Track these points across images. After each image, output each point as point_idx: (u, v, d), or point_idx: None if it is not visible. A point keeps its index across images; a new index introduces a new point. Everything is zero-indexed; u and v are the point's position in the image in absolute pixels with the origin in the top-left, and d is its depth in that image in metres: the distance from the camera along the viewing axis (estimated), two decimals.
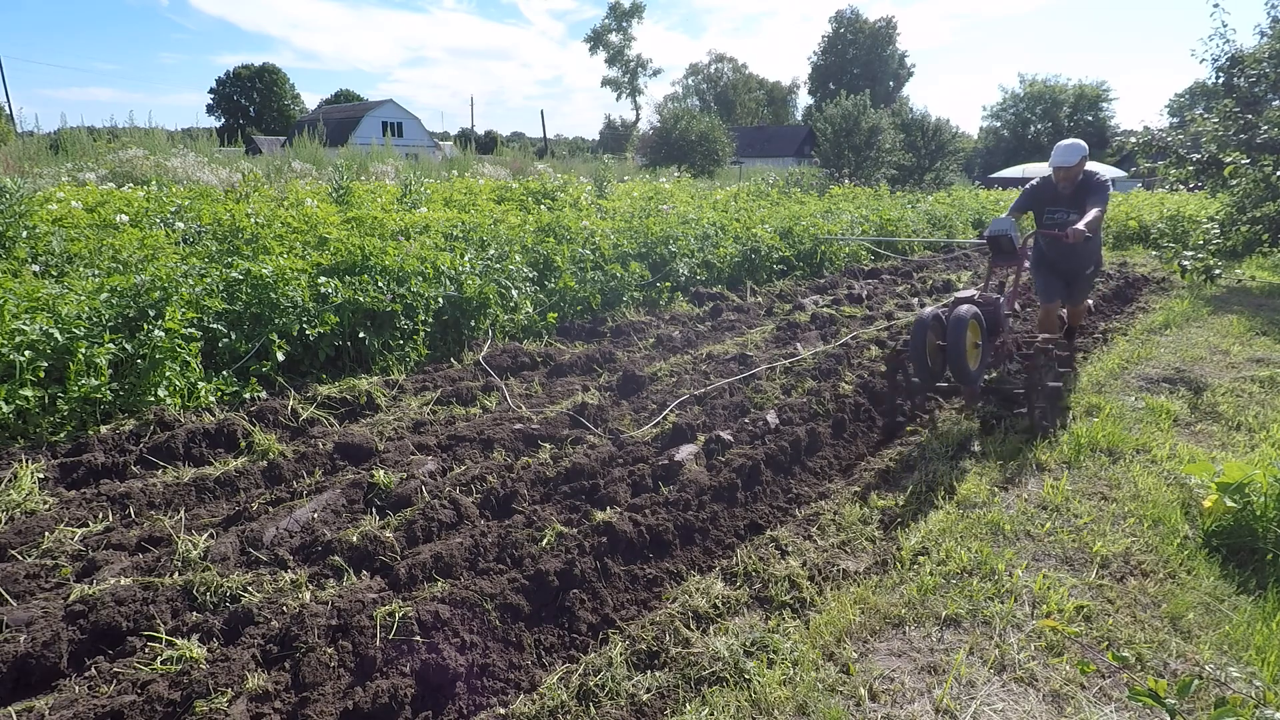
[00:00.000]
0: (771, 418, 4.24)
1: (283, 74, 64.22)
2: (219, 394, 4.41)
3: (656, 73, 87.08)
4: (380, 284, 5.45)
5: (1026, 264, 4.99)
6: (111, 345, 4.09)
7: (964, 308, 3.96)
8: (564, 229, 8.04)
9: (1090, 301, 6.33)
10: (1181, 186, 11.97)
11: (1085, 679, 2.32)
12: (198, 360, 4.43)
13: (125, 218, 6.81)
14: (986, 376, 4.49)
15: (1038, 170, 33.94)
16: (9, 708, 2.10)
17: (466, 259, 6.29)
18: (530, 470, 3.58)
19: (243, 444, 3.88)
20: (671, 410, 4.44)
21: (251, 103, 63.58)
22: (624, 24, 64.66)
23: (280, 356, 4.72)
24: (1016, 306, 6.27)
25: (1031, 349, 4.33)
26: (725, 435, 4.00)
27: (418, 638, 2.35)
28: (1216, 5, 10.86)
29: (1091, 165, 4.96)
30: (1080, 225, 4.43)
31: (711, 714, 2.16)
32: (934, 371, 4.12)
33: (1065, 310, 5.50)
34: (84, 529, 3.03)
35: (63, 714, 2.03)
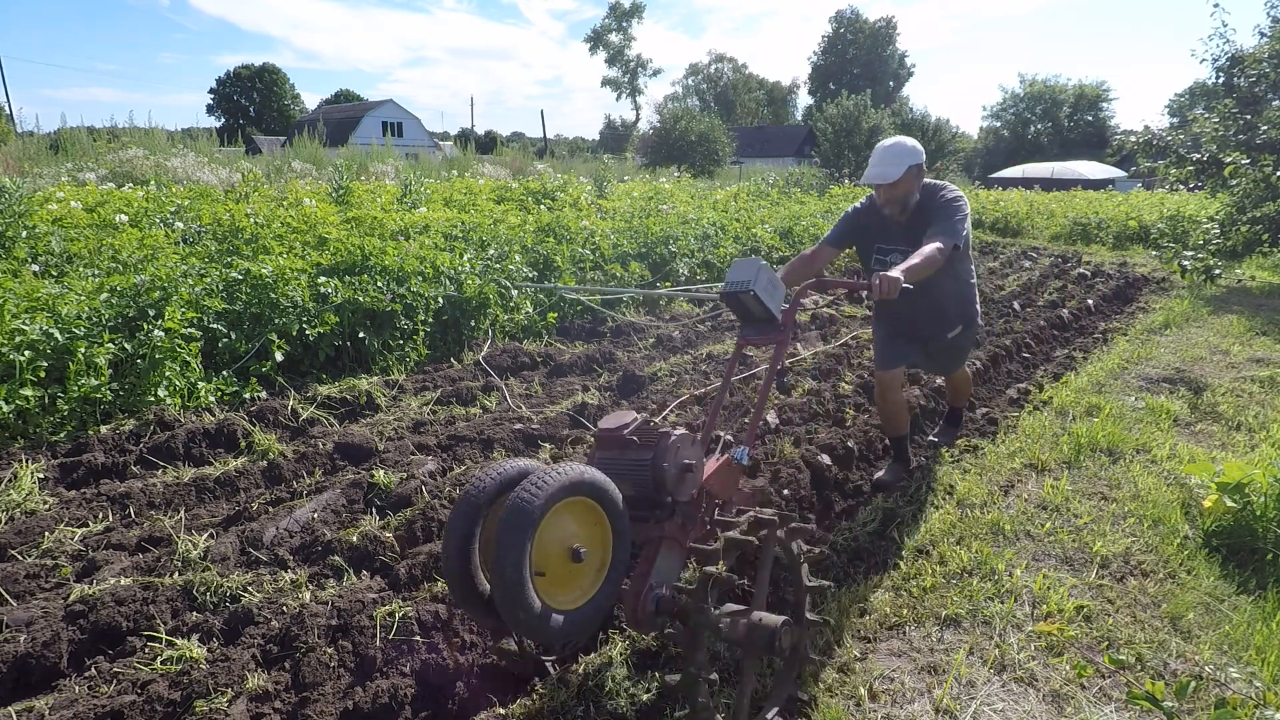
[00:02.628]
0: (771, 418, 4.24)
1: (283, 74, 64.21)
2: (219, 394, 4.41)
3: (656, 73, 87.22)
4: (380, 284, 5.45)
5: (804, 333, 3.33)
6: (111, 345, 4.09)
7: (540, 480, 1.79)
8: (564, 229, 8.04)
9: (969, 369, 4.32)
10: (1181, 186, 11.98)
11: (1085, 679, 2.32)
12: (198, 360, 4.43)
13: (125, 218, 6.81)
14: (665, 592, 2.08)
15: (1038, 171, 33.87)
16: (9, 708, 2.10)
17: (466, 259, 6.29)
18: None
19: (243, 444, 3.88)
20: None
21: (251, 103, 63.58)
22: (624, 24, 64.69)
23: (280, 356, 4.72)
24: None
25: (718, 538, 2.11)
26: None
27: (418, 638, 2.35)
28: (1216, 5, 10.86)
29: (937, 181, 3.39)
30: (896, 272, 2.68)
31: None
32: (494, 605, 1.86)
33: (939, 380, 4.14)
34: (84, 529, 3.04)
35: (63, 714, 2.03)
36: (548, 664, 2.34)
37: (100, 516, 3.14)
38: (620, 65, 65.94)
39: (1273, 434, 4.31)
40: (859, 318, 7.16)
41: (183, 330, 4.30)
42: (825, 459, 3.66)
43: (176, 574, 2.68)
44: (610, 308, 7.05)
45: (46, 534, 2.94)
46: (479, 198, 10.63)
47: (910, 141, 3.30)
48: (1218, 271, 9.47)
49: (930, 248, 2.99)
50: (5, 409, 3.67)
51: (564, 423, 4.28)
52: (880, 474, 3.75)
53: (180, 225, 7.13)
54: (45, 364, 3.88)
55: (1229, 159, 10.36)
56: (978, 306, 3.71)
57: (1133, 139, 12.15)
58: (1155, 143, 11.83)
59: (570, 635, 1.87)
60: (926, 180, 3.38)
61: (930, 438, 4.10)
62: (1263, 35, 11.24)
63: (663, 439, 2.15)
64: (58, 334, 3.97)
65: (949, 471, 3.79)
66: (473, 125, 67.10)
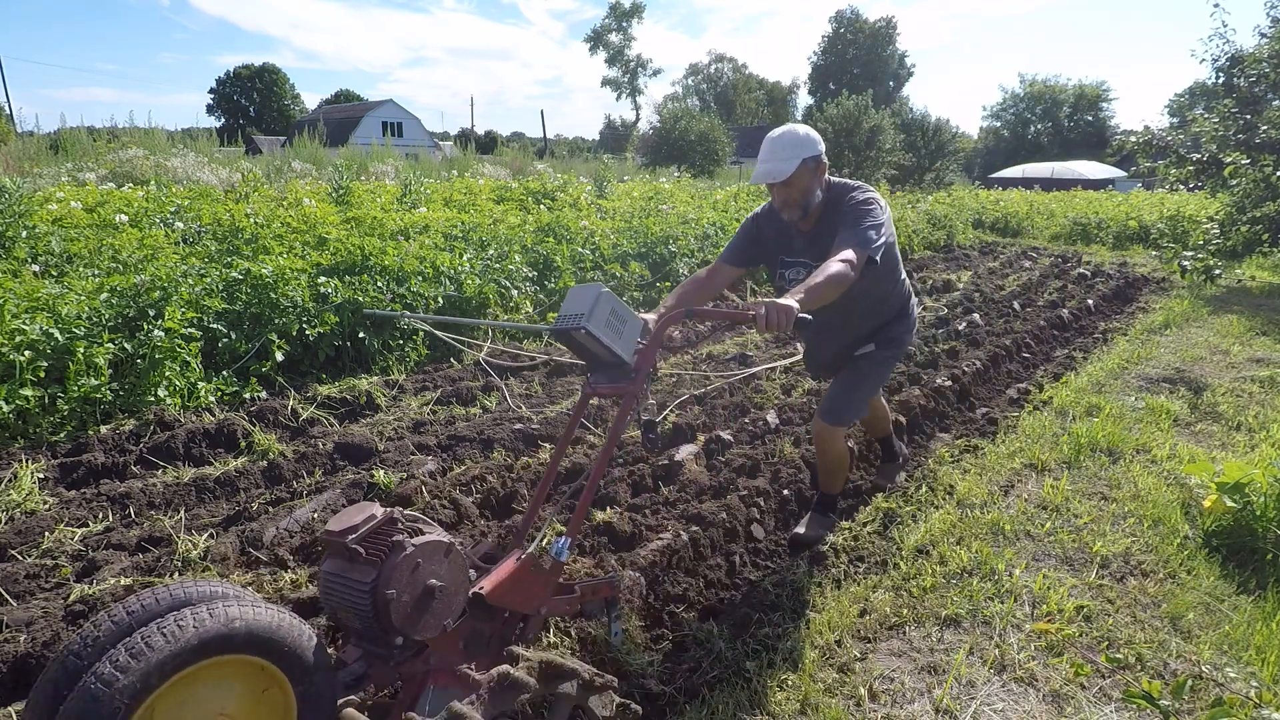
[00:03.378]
0: (771, 417, 4.24)
1: (283, 74, 64.19)
2: (219, 394, 4.41)
3: (656, 73, 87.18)
4: (380, 284, 5.45)
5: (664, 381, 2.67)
6: (111, 345, 4.09)
7: (139, 646, 1.29)
8: (564, 229, 8.04)
9: (882, 399, 3.55)
10: (1181, 186, 11.98)
11: (1085, 679, 2.32)
12: (198, 360, 4.43)
13: (125, 218, 6.81)
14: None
15: (1038, 171, 33.88)
16: (9, 708, 2.09)
17: (466, 259, 6.29)
18: (530, 470, 3.58)
19: (243, 444, 3.88)
20: (671, 410, 4.44)
21: (251, 103, 63.57)
22: (624, 24, 64.66)
23: (280, 356, 4.72)
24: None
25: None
26: (725, 435, 4.00)
27: None
28: (1216, 5, 10.87)
29: (848, 180, 2.81)
30: (789, 298, 2.15)
31: (712, 714, 2.16)
32: None
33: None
34: (84, 529, 3.03)
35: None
36: None
37: (100, 516, 3.14)
38: (620, 65, 65.93)
39: (1273, 434, 4.31)
40: None
41: (183, 330, 4.30)
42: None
43: (176, 574, 2.68)
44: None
45: (46, 534, 2.94)
46: (479, 198, 10.63)
47: (804, 130, 2.68)
48: (1218, 271, 9.47)
49: (834, 263, 2.38)
50: (5, 409, 3.67)
51: (564, 422, 4.28)
52: (799, 529, 3.14)
53: (180, 225, 7.12)
54: (45, 364, 3.88)
55: (1229, 159, 10.36)
56: (902, 328, 3.03)
57: (1133, 139, 12.16)
58: (1155, 143, 11.84)
59: None
60: (835, 179, 2.78)
61: (797, 531, 3.22)
62: (1262, 35, 11.24)
63: (393, 553, 1.61)
64: (58, 334, 3.97)
65: (949, 471, 3.79)
66: (473, 125, 67.12)
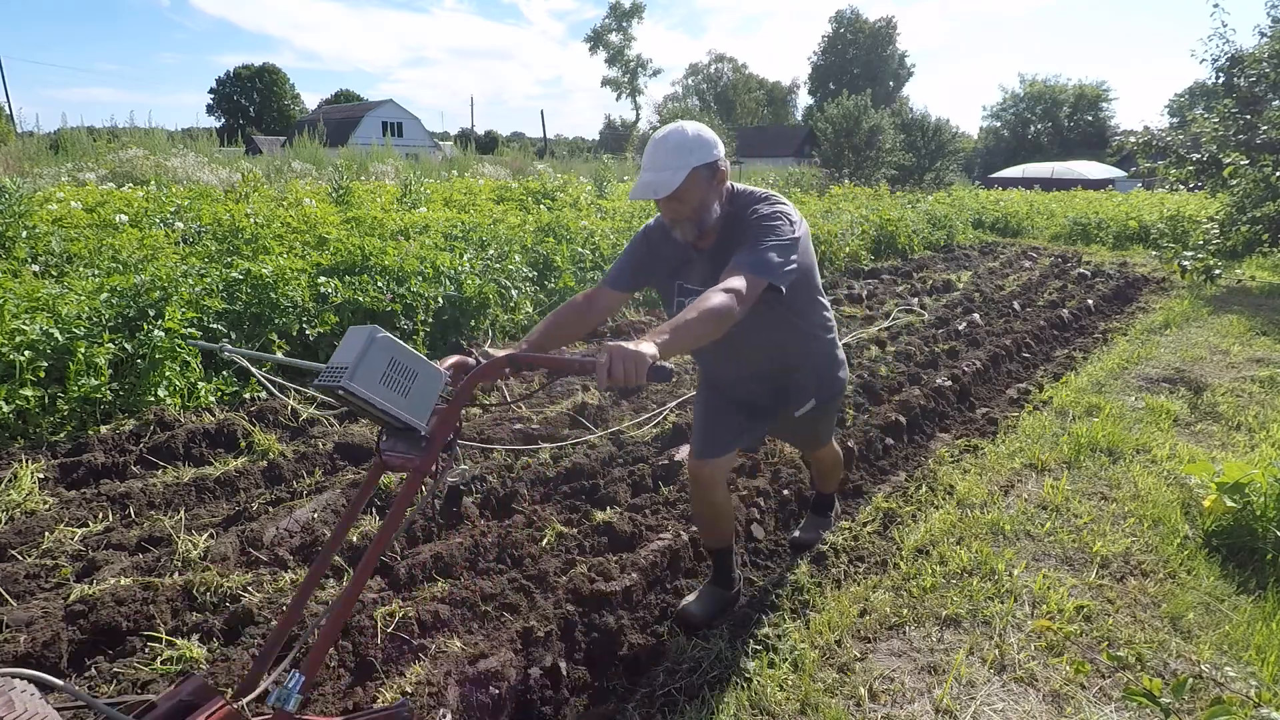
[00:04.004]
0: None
1: (283, 74, 64.21)
2: (219, 394, 4.41)
3: (656, 73, 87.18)
4: (380, 284, 5.45)
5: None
6: (111, 345, 4.09)
7: None
8: (564, 229, 8.04)
9: (837, 447, 3.01)
10: (1181, 186, 11.99)
11: (1085, 679, 2.32)
12: (198, 360, 4.43)
13: (125, 218, 6.82)
14: None
15: (1038, 171, 33.85)
16: None
17: (466, 259, 6.29)
18: (530, 470, 3.58)
19: (243, 444, 3.88)
20: (671, 410, 4.44)
21: (251, 103, 63.58)
22: (624, 24, 64.67)
23: (280, 356, 4.71)
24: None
25: None
26: None
27: (418, 638, 2.35)
28: (1216, 5, 10.88)
29: (755, 189, 2.30)
30: (646, 344, 1.70)
31: (712, 714, 2.16)
32: None
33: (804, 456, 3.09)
34: (84, 529, 3.03)
35: (63, 714, 2.03)
36: None
37: (100, 516, 3.14)
38: (620, 65, 65.93)
39: (1273, 434, 4.31)
40: (859, 318, 7.15)
41: (183, 330, 4.30)
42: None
43: (176, 574, 2.68)
44: None
45: (46, 534, 2.94)
46: (479, 198, 10.64)
47: (694, 129, 2.15)
48: (1218, 271, 9.47)
49: (715, 294, 1.89)
50: (5, 409, 3.67)
51: (564, 422, 4.28)
52: (688, 600, 2.63)
53: (180, 225, 7.13)
54: (45, 364, 3.88)
55: (1229, 159, 10.36)
56: (840, 370, 2.57)
57: (1133, 139, 12.17)
58: (1155, 143, 11.85)
59: None
60: (740, 187, 2.29)
61: (795, 534, 3.10)
62: (1263, 35, 11.25)
63: None
64: (58, 334, 3.97)
65: (949, 471, 3.79)
66: (473, 125, 67.14)
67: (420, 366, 1.64)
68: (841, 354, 2.61)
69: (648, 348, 1.67)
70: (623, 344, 1.63)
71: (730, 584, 2.68)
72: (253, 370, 4.29)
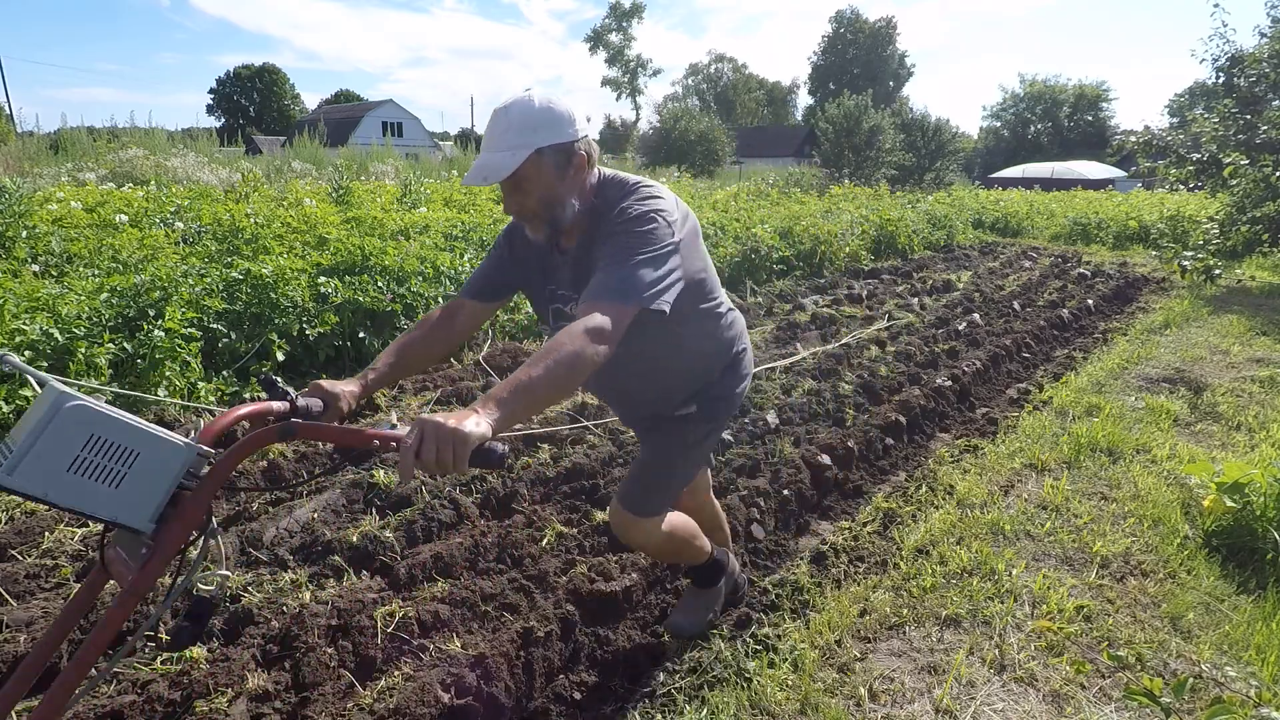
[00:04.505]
0: (771, 418, 4.24)
1: (283, 74, 64.24)
2: (219, 394, 4.41)
3: (656, 73, 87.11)
4: (380, 284, 5.45)
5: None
6: (111, 345, 4.09)
7: None
8: None
9: (659, 516, 2.15)
10: (1181, 186, 11.99)
11: (1085, 679, 2.32)
12: (198, 360, 4.43)
13: (125, 218, 6.83)
14: None
15: (1038, 171, 33.85)
16: None
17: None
18: (530, 470, 3.58)
19: None
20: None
21: (251, 103, 63.61)
22: (624, 24, 64.68)
23: (280, 356, 4.72)
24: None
25: None
26: (725, 435, 4.00)
27: (418, 638, 2.35)
28: (1216, 5, 10.88)
29: (628, 177, 1.88)
30: (473, 421, 1.32)
31: (712, 714, 2.16)
32: None
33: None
34: (84, 529, 3.03)
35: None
36: None
37: None
38: (620, 65, 65.93)
39: (1273, 434, 4.31)
40: (859, 318, 7.16)
41: (183, 330, 4.30)
42: (825, 459, 3.66)
43: (176, 574, 2.68)
44: None
45: (46, 534, 2.94)
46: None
47: (543, 101, 1.74)
48: (1218, 271, 9.47)
49: (570, 341, 1.50)
50: (5, 409, 3.67)
51: (564, 422, 4.28)
52: (675, 615, 2.46)
53: (180, 225, 7.13)
54: (45, 364, 3.88)
55: (1229, 159, 10.37)
56: (739, 383, 2.14)
57: (1133, 139, 12.17)
58: (1155, 143, 11.85)
59: None
60: (609, 174, 1.88)
61: (672, 617, 2.50)
62: (1263, 35, 11.25)
63: None
64: (58, 334, 3.97)
65: (949, 471, 3.79)
66: (473, 125, 67.10)
67: (143, 443, 1.22)
68: (743, 360, 2.16)
69: (474, 424, 1.32)
70: (440, 419, 1.29)
71: (717, 595, 2.46)
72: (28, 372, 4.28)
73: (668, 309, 1.67)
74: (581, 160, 1.78)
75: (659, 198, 1.80)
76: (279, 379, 1.50)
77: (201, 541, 1.36)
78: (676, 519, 2.21)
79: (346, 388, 1.68)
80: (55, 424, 1.13)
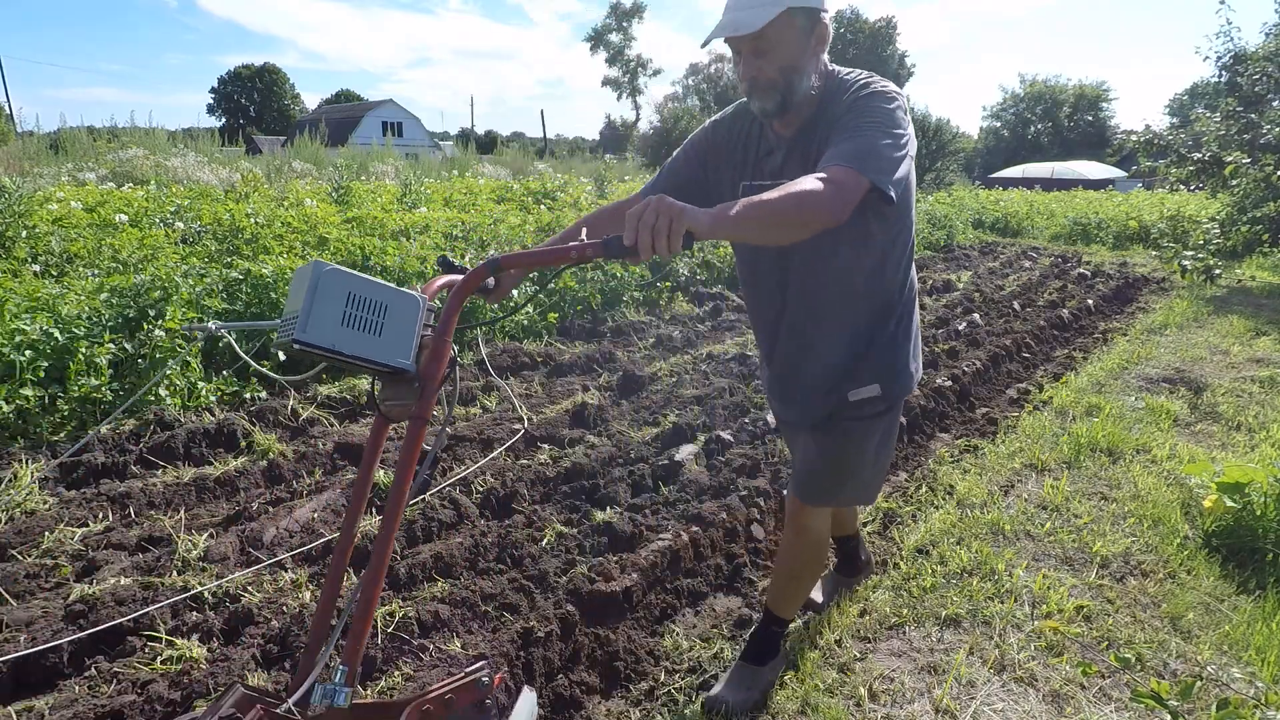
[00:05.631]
0: (772, 418, 4.24)
1: (283, 74, 64.27)
2: (219, 394, 4.41)
3: (657, 73, 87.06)
4: None
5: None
6: (111, 345, 4.09)
7: None
8: (564, 229, 8.03)
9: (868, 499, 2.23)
10: (1182, 186, 11.99)
11: (1085, 679, 2.32)
12: (198, 360, 4.43)
13: (125, 218, 6.83)
14: None
15: (1038, 171, 33.80)
16: (9, 707, 2.10)
17: (467, 259, 6.29)
18: (530, 470, 3.58)
19: (243, 444, 3.88)
20: (671, 410, 4.44)
21: (252, 103, 63.64)
22: (624, 24, 64.70)
23: (281, 356, 4.71)
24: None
25: None
26: (725, 435, 4.00)
27: (418, 638, 2.35)
28: (1223, 2, 10.86)
29: (857, 71, 1.78)
30: (695, 211, 1.32)
31: (712, 714, 2.16)
32: None
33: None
34: (84, 529, 3.03)
35: (63, 714, 2.03)
36: None
37: (100, 516, 3.14)
38: (620, 65, 65.95)
39: (1273, 434, 4.31)
40: None
41: (183, 330, 4.30)
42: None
43: (176, 574, 2.68)
44: (611, 307, 7.03)
45: (46, 534, 2.94)
46: (479, 198, 10.65)
47: None
48: (1218, 271, 9.47)
49: (808, 181, 1.46)
50: (5, 409, 3.67)
51: (564, 422, 4.28)
52: (717, 689, 2.16)
53: (180, 225, 7.13)
54: (45, 364, 3.88)
55: (1230, 158, 10.36)
56: (914, 364, 1.97)
57: (1134, 138, 12.16)
58: (1156, 142, 11.83)
59: None
60: (838, 67, 1.79)
61: (714, 690, 2.19)
62: (1267, 34, 11.24)
63: None
64: (58, 334, 3.97)
65: (949, 471, 3.79)
66: (473, 125, 67.17)
67: (387, 296, 1.39)
68: (914, 321, 1.98)
69: (695, 211, 1.32)
70: (662, 199, 1.31)
71: (768, 656, 2.22)
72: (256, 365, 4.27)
73: (895, 198, 1.56)
74: (824, 33, 1.72)
75: (896, 89, 1.72)
76: (453, 258, 1.71)
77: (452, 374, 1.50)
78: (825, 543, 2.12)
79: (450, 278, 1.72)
80: (321, 286, 1.31)
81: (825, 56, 1.77)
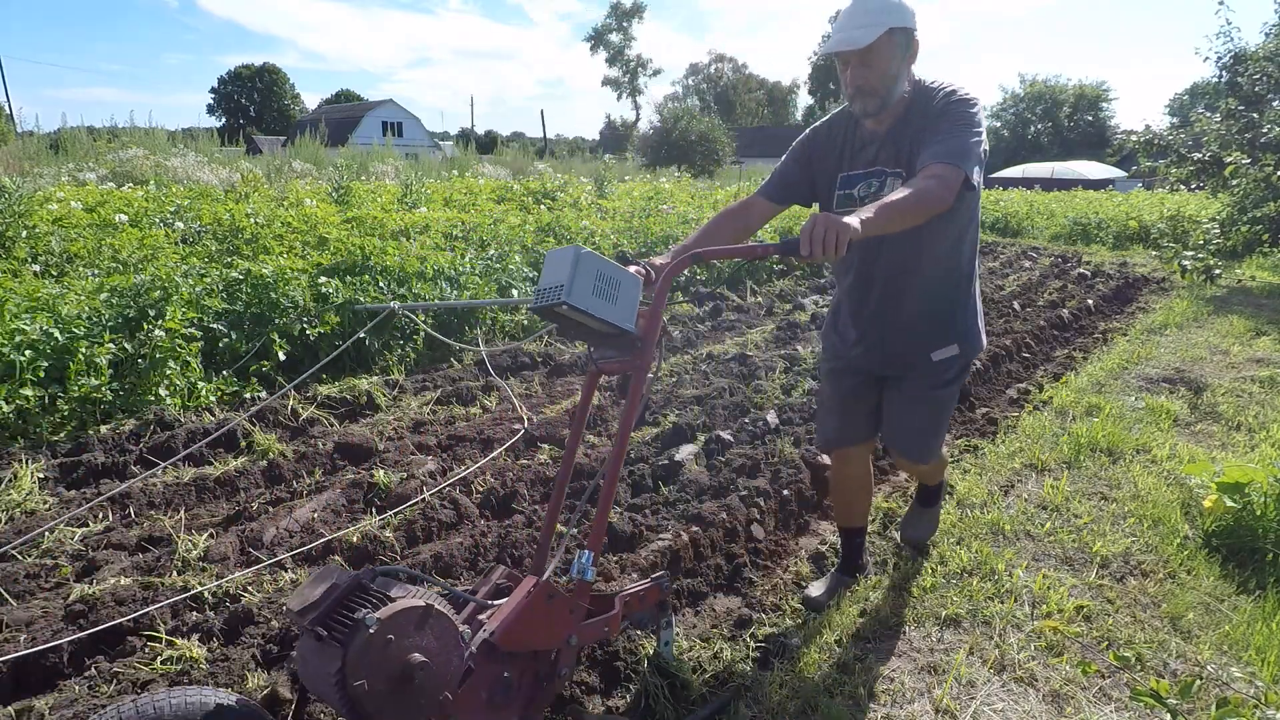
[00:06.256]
0: (771, 417, 4.24)
1: (283, 74, 64.28)
2: (219, 394, 4.41)
3: (656, 73, 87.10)
4: (381, 284, 5.45)
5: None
6: (111, 345, 4.09)
7: None
8: (564, 229, 8.04)
9: (946, 451, 3.04)
10: (1182, 186, 11.99)
11: (1085, 679, 2.32)
12: (198, 360, 4.43)
13: (125, 218, 6.82)
14: None
15: (1038, 171, 33.76)
16: (9, 707, 2.10)
17: (467, 259, 6.29)
18: (530, 470, 3.58)
19: (243, 444, 3.88)
20: (671, 410, 4.44)
21: (252, 102, 63.65)
22: (624, 24, 64.71)
23: (281, 356, 4.72)
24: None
25: None
26: (725, 435, 4.00)
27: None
28: (1222, 3, 10.86)
29: (938, 80, 2.19)
30: (851, 219, 1.72)
31: (712, 714, 2.16)
32: None
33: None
34: (84, 529, 3.03)
35: (63, 714, 2.03)
36: None
37: (100, 516, 3.14)
38: (620, 65, 65.97)
39: (1273, 434, 4.31)
40: None
41: (183, 330, 4.30)
42: (825, 459, 3.66)
43: (176, 574, 2.68)
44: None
45: (47, 534, 2.94)
46: (479, 198, 10.65)
47: None
48: (1218, 271, 9.47)
49: (923, 179, 1.87)
50: (5, 409, 3.66)
51: (564, 422, 4.28)
52: (812, 589, 2.71)
53: (180, 225, 7.13)
54: (45, 364, 3.88)
55: (1230, 158, 10.36)
56: (981, 327, 2.42)
57: (1134, 138, 12.15)
58: (1156, 142, 11.83)
59: None
60: (922, 78, 2.19)
61: (895, 533, 2.98)
62: (1267, 34, 11.24)
63: (353, 635, 1.38)
64: (58, 334, 3.97)
65: (949, 471, 3.79)
66: (473, 125, 67.19)
67: (620, 274, 1.75)
68: (981, 313, 2.45)
69: (852, 219, 1.70)
70: (830, 215, 1.70)
71: (860, 566, 2.82)
72: (438, 336, 4.65)
73: (979, 186, 2.01)
74: (915, 49, 2.12)
75: (970, 91, 2.11)
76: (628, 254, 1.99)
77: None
78: (868, 480, 2.72)
79: (661, 261, 2.05)
80: (580, 263, 1.66)
81: (912, 60, 2.15)
